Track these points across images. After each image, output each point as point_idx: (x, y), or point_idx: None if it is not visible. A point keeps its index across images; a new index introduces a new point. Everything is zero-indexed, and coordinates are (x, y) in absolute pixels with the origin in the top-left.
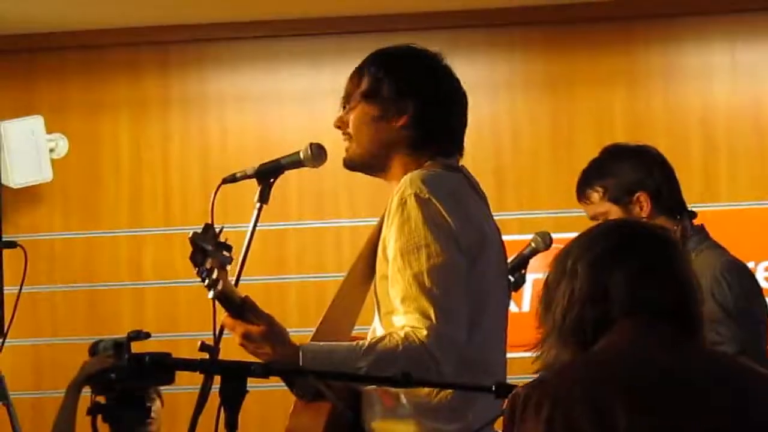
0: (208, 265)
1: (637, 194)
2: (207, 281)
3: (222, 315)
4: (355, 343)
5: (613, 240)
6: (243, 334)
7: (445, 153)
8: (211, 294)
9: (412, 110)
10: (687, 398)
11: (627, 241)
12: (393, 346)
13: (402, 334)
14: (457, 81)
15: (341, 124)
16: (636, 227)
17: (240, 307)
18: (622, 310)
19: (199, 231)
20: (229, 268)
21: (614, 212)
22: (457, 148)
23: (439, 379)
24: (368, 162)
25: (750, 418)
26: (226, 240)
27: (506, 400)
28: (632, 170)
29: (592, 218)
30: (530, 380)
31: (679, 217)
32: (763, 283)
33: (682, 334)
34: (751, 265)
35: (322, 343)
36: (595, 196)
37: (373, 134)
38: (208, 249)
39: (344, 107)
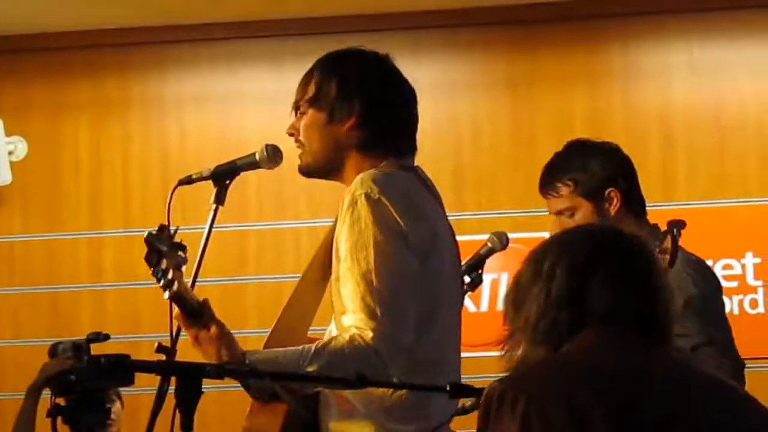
0: (163, 266)
1: (609, 190)
2: (162, 282)
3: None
4: (301, 347)
5: (592, 245)
6: (194, 336)
7: (397, 152)
8: (166, 294)
9: (358, 111)
10: (655, 403)
11: (605, 247)
12: (339, 349)
13: (347, 336)
14: (405, 80)
15: (294, 131)
16: (614, 234)
17: (198, 311)
18: (595, 316)
19: (154, 232)
20: (184, 268)
21: (584, 208)
22: (410, 147)
23: (387, 379)
24: (322, 167)
25: (706, 419)
26: (181, 241)
27: (482, 396)
28: (603, 166)
29: (557, 213)
30: (503, 376)
31: (642, 218)
32: (721, 282)
33: (650, 341)
34: (708, 263)
35: (269, 350)
36: (565, 189)
37: (322, 139)
38: (162, 250)
39: (296, 114)
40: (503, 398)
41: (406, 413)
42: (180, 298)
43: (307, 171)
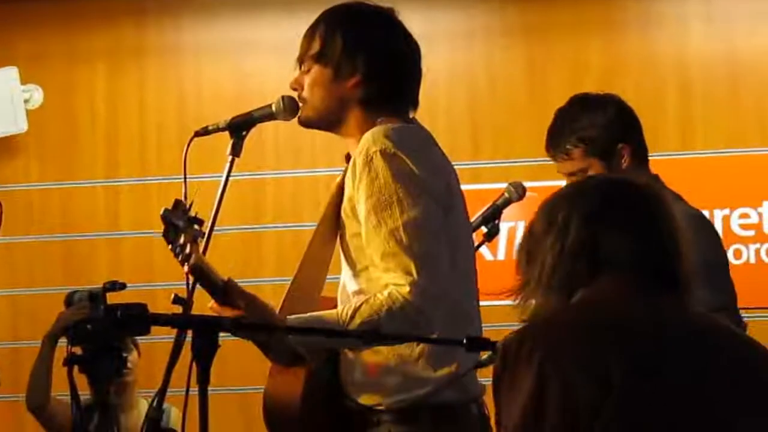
0: (180, 241)
1: (620, 146)
2: (180, 256)
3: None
4: (339, 310)
5: (606, 196)
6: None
7: (399, 107)
8: (185, 268)
9: (363, 68)
10: (674, 354)
11: (617, 197)
12: (377, 308)
13: (385, 293)
14: (410, 35)
15: (297, 86)
16: (626, 184)
17: (223, 290)
18: (610, 264)
19: (170, 208)
20: (201, 241)
21: (596, 167)
22: (412, 102)
23: (429, 332)
24: (323, 121)
25: (726, 372)
26: (197, 214)
27: (499, 348)
28: (612, 122)
29: (570, 175)
30: (520, 327)
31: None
32: (738, 230)
33: (667, 290)
34: (725, 212)
35: (307, 315)
36: (576, 152)
37: (326, 96)
38: (179, 225)
39: (299, 67)
40: (519, 350)
41: (436, 361)
42: (198, 271)
43: (306, 123)
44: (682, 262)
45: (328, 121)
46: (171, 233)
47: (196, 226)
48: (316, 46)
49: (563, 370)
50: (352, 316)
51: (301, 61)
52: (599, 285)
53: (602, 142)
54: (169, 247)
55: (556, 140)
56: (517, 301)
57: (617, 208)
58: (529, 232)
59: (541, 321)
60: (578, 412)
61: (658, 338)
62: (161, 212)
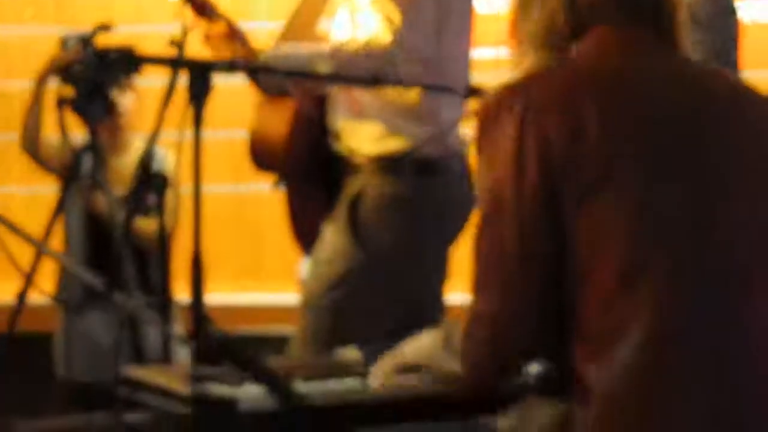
0: None
1: None
2: None
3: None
4: (317, 48)
5: None
6: (206, 34)
7: None
8: None
9: None
10: (658, 108)
11: None
12: (355, 50)
13: (365, 38)
14: None
15: None
16: None
17: (202, 6)
18: (598, 15)
19: None
20: None
21: None
22: None
23: (398, 83)
24: None
25: (718, 124)
26: None
27: (480, 103)
28: None
29: None
30: (504, 83)
31: None
32: None
33: (660, 40)
34: None
35: (283, 48)
36: None
37: None
38: None
39: None
40: (501, 104)
41: (420, 115)
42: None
43: None
44: (675, 10)
45: None
46: None
47: None
48: None
49: (542, 117)
50: (329, 56)
51: None
52: (589, 39)
53: None
54: None
55: None
56: (511, 62)
57: None
58: None
59: (522, 78)
60: (555, 168)
61: (640, 91)
62: None
